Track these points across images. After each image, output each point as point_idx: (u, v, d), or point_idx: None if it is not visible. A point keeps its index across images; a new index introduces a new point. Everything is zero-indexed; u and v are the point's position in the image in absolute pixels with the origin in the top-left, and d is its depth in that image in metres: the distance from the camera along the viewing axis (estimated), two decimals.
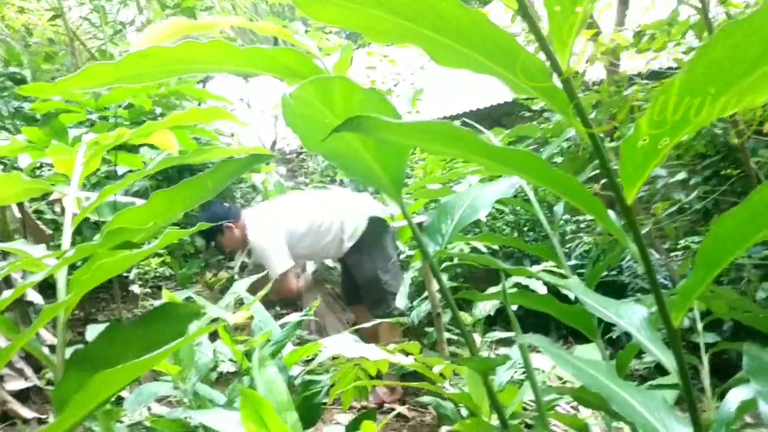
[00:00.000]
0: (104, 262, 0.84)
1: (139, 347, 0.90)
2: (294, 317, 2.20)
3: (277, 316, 2.38)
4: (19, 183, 1.27)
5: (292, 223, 3.54)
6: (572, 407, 3.01)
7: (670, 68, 4.01)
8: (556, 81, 0.66)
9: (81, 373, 0.93)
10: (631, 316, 0.85)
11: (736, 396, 0.83)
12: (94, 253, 1.05)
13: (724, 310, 1.63)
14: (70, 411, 0.73)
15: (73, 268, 1.06)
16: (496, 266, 1.08)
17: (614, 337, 3.71)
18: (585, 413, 2.85)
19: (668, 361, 0.78)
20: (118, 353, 0.88)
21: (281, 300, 3.61)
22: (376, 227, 3.52)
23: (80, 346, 1.03)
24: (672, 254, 3.91)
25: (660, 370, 3.41)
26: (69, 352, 1.08)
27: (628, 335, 3.30)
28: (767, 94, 0.56)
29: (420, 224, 1.35)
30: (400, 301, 3.69)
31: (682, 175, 3.82)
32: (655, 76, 3.84)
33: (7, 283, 2.69)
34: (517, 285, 2.82)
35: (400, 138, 0.70)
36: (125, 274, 3.85)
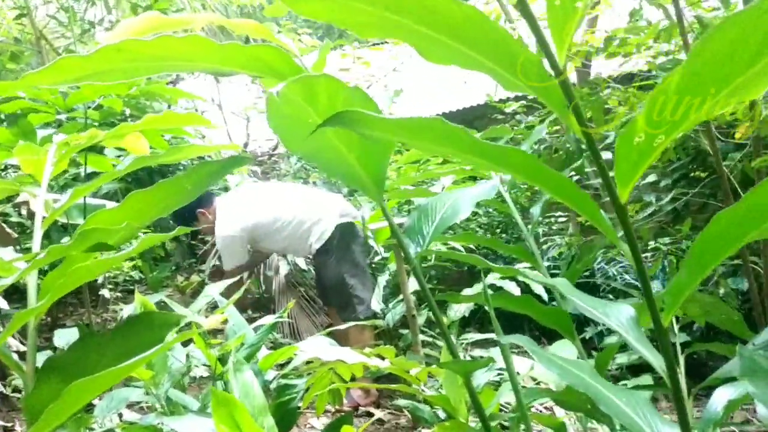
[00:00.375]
0: (79, 267, 0.81)
1: (114, 356, 0.87)
2: (268, 320, 2.17)
3: (250, 320, 2.34)
4: None
5: (260, 215, 3.49)
6: (545, 408, 3.02)
7: (641, 71, 4.06)
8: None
9: (54, 382, 0.90)
10: (618, 315, 0.84)
11: (722, 395, 0.83)
12: (66, 255, 1.01)
13: (699, 313, 1.65)
14: (45, 420, 0.70)
15: (41, 272, 1.03)
16: (482, 264, 1.07)
17: (587, 338, 3.74)
18: (559, 414, 2.86)
19: (656, 360, 0.77)
20: (92, 362, 0.84)
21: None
22: (346, 230, 3.49)
23: (52, 353, 0.99)
24: (642, 255, 3.95)
25: (632, 370, 3.45)
26: (39, 357, 1.04)
27: (600, 336, 3.34)
28: (764, 89, 0.56)
29: (399, 225, 1.34)
30: (375, 304, 3.68)
31: (652, 178, 3.87)
32: (626, 80, 3.88)
33: None
34: (490, 287, 2.82)
35: (389, 135, 0.69)
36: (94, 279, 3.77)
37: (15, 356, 1.03)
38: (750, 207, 0.62)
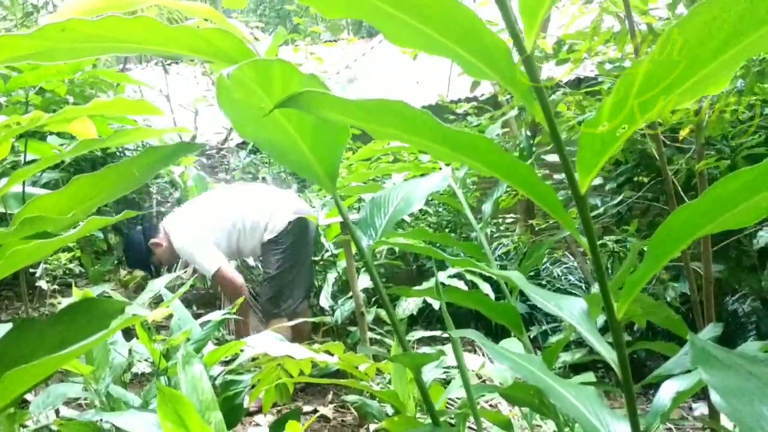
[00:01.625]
0: (18, 250, 0.77)
1: (54, 344, 0.83)
2: (215, 316, 2.13)
3: (195, 316, 2.29)
4: None
5: (212, 222, 3.42)
6: (490, 405, 3.05)
7: (588, 78, 4.15)
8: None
9: None
10: (571, 309, 0.85)
11: (670, 388, 0.84)
12: (4, 242, 0.96)
13: (640, 313, 1.68)
14: None
15: None
16: (437, 255, 1.07)
17: (531, 336, 3.80)
18: (504, 411, 2.90)
19: (608, 353, 0.78)
20: (29, 351, 0.80)
21: (236, 295, 3.47)
22: (298, 227, 3.47)
23: None
24: (586, 257, 4.04)
25: (574, 368, 3.51)
26: None
27: (544, 335, 3.39)
28: (728, 81, 0.56)
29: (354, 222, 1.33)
30: (323, 301, 3.66)
31: (598, 181, 3.95)
32: (573, 85, 3.96)
33: None
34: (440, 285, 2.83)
35: (348, 117, 0.67)
36: (31, 270, 3.63)
37: None
38: (709, 201, 0.63)
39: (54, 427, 2.08)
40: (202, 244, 3.36)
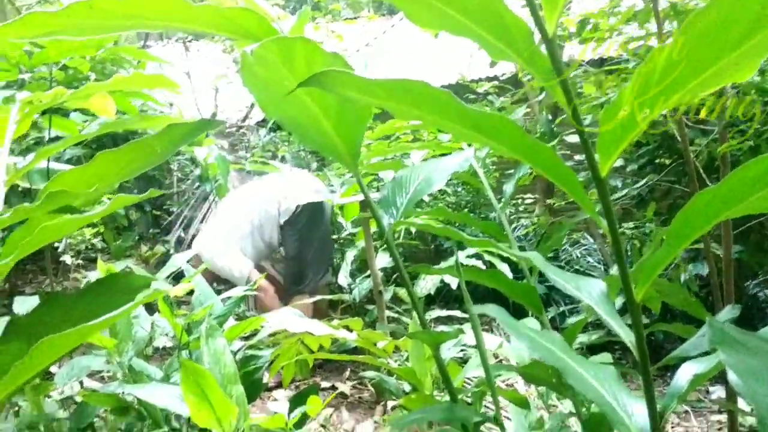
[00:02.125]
0: (47, 225, 0.79)
1: (80, 318, 0.85)
2: (236, 292, 2.15)
3: (216, 293, 2.32)
4: None
5: (236, 230, 3.53)
6: (507, 385, 3.07)
7: (611, 58, 4.09)
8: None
9: (17, 344, 0.88)
10: (590, 290, 0.85)
11: (687, 370, 0.85)
12: (30, 216, 0.98)
13: (656, 295, 1.68)
14: (10, 378, 0.68)
15: None
16: (456, 236, 1.07)
17: (549, 317, 3.80)
18: (521, 391, 2.91)
19: (626, 335, 0.78)
20: (57, 323, 0.82)
21: (268, 304, 3.54)
22: (314, 207, 3.52)
23: (12, 316, 0.96)
24: (605, 239, 4.03)
25: (591, 349, 3.51)
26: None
27: (562, 316, 3.39)
28: (754, 69, 0.56)
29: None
30: (342, 279, 3.69)
31: (619, 162, 3.92)
32: (596, 65, 3.90)
33: None
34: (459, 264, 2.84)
35: (370, 97, 0.67)
36: (55, 245, 3.69)
37: None
38: (732, 186, 0.63)
39: (78, 398, 2.13)
40: (229, 255, 3.49)
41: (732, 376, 0.54)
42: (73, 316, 0.83)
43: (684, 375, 0.84)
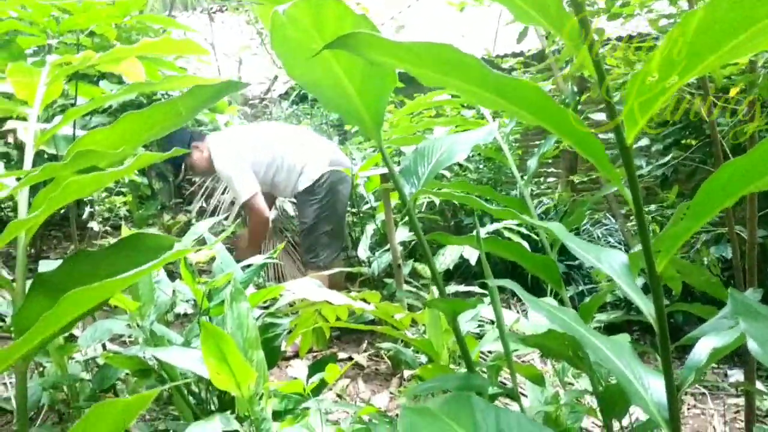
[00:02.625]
0: (75, 180, 0.80)
1: (106, 275, 0.86)
2: (257, 260, 2.17)
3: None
4: None
5: (255, 153, 3.48)
6: (522, 362, 3.08)
7: (641, 34, 4.02)
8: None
9: (45, 297, 0.90)
10: (611, 261, 0.85)
11: (707, 344, 0.84)
12: (58, 175, 1.00)
13: (676, 275, 1.66)
14: (39, 328, 0.70)
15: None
16: (479, 206, 1.07)
17: (568, 296, 3.79)
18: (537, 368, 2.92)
19: (646, 306, 0.78)
20: (85, 278, 0.83)
21: (260, 226, 3.55)
22: (335, 178, 3.49)
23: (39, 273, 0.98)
24: (627, 219, 4.00)
25: (608, 329, 3.51)
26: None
27: (581, 295, 3.37)
28: None
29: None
30: (361, 252, 3.70)
31: (644, 142, 3.88)
32: (624, 42, 3.84)
33: None
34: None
35: (396, 60, 0.67)
36: (79, 212, 3.75)
37: (4, 272, 1.03)
38: (757, 158, 0.62)
39: (100, 361, 2.18)
40: (241, 169, 3.42)
41: (752, 345, 0.54)
42: (98, 273, 0.84)
43: (703, 349, 0.84)
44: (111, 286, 0.71)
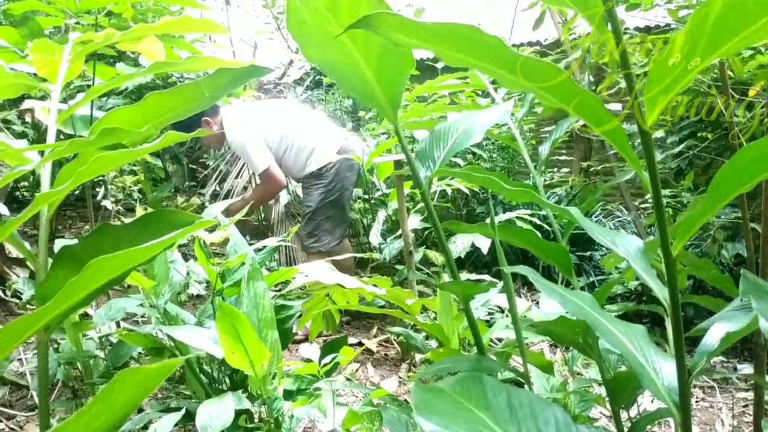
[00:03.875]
0: (102, 156, 0.81)
1: (130, 246, 0.88)
2: (270, 242, 2.19)
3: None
4: (1, 77, 1.21)
5: (267, 127, 3.48)
6: (531, 351, 3.09)
7: (659, 25, 3.99)
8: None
9: (68, 270, 0.92)
10: (627, 245, 0.86)
11: (719, 329, 0.85)
12: (82, 151, 1.01)
13: (680, 268, 1.67)
14: (63, 296, 0.72)
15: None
16: (496, 187, 1.08)
17: (579, 287, 3.80)
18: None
19: (660, 291, 0.79)
20: (107, 252, 0.85)
21: (270, 195, 3.57)
22: (344, 165, 3.48)
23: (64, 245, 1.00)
24: (640, 211, 3.99)
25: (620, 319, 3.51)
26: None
27: (591, 287, 3.37)
28: None
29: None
30: (373, 238, 3.71)
31: (659, 134, 3.85)
32: (643, 32, 3.82)
33: None
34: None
35: (416, 41, 0.67)
36: (93, 192, 3.78)
37: (27, 244, 1.05)
38: None
39: (114, 339, 2.21)
40: (255, 141, 3.42)
41: (764, 324, 0.54)
42: (121, 247, 0.86)
43: (715, 334, 0.85)
44: (135, 255, 0.72)
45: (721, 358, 3.26)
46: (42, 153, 1.12)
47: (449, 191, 3.84)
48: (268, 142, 3.47)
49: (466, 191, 3.97)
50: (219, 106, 3.63)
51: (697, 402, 2.80)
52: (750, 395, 2.81)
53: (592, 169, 4.08)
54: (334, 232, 3.54)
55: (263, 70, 1.13)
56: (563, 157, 5.24)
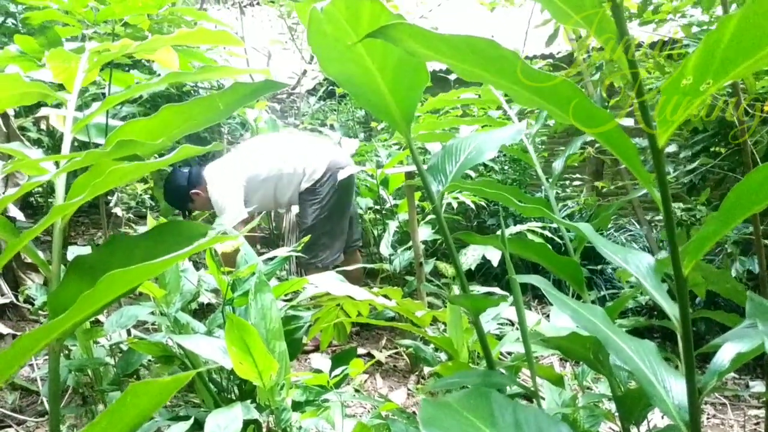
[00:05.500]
0: (117, 168, 0.82)
1: (142, 258, 0.89)
2: (281, 252, 2.20)
3: (258, 255, 2.37)
4: (18, 85, 1.22)
5: (252, 169, 3.48)
6: (541, 365, 3.07)
7: (672, 40, 3.98)
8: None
9: (80, 280, 0.92)
10: (638, 263, 0.86)
11: (730, 349, 0.85)
12: (97, 162, 1.02)
13: (702, 282, 1.65)
14: (76, 309, 0.72)
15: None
16: (508, 202, 1.08)
17: (590, 301, 3.79)
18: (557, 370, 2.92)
19: (671, 309, 0.79)
20: (120, 263, 0.86)
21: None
22: (335, 178, 3.45)
23: (77, 256, 1.01)
24: (652, 225, 3.98)
25: (630, 334, 3.48)
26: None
27: (602, 300, 3.35)
28: None
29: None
30: (383, 249, 3.71)
31: (672, 148, 3.84)
32: (655, 48, 3.82)
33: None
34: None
35: (433, 53, 0.68)
36: (106, 200, 3.81)
37: (39, 252, 1.06)
38: None
39: (125, 346, 2.22)
40: (232, 198, 3.41)
41: None
42: (134, 259, 0.87)
43: (726, 354, 0.84)
44: (149, 269, 0.73)
45: (733, 374, 3.24)
46: (57, 164, 1.14)
47: (455, 205, 3.84)
48: (254, 187, 3.47)
49: (472, 206, 3.96)
50: (201, 169, 3.61)
51: (708, 419, 2.78)
52: (762, 413, 2.78)
53: (604, 188, 4.07)
54: (331, 247, 3.52)
55: (278, 84, 1.14)
56: (576, 174, 5.23)
